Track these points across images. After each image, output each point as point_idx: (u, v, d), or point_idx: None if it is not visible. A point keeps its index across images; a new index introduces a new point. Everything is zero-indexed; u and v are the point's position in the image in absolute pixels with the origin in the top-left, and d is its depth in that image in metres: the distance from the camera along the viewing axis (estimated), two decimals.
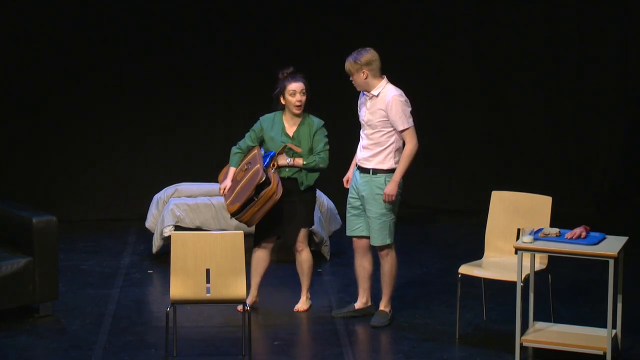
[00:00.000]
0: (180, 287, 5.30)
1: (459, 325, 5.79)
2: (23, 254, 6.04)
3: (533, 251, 5.40)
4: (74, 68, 8.26)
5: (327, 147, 5.98)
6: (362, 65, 5.80)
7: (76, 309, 6.26)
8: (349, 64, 5.83)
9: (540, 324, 5.60)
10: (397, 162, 5.83)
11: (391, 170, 5.83)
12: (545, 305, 5.80)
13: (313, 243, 7.25)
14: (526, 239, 5.37)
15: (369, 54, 5.83)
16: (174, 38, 8.36)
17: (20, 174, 8.19)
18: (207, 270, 5.28)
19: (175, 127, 8.45)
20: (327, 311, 6.25)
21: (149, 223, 7.34)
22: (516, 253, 5.37)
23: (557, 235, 5.42)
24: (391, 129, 5.83)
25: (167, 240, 7.11)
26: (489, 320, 6.02)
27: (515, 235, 5.76)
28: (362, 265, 6.03)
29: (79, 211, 8.21)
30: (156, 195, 7.41)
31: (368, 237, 5.96)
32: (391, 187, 5.78)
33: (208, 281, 5.31)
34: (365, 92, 5.92)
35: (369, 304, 6.09)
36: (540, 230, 5.49)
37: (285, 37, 8.42)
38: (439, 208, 8.60)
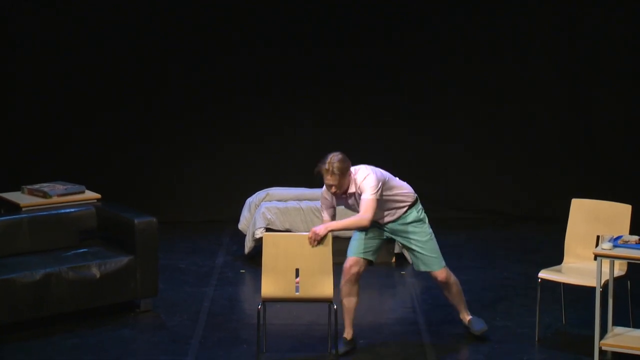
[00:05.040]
0: (271, 285, 5.45)
1: (539, 329, 5.87)
2: (126, 252, 6.23)
3: (612, 257, 5.46)
4: (173, 71, 8.45)
5: None
6: (349, 168, 5.56)
7: (174, 305, 6.44)
8: (339, 173, 5.47)
9: (619, 329, 5.66)
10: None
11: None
12: (624, 311, 5.84)
13: (397, 246, 7.45)
14: (605, 245, 5.45)
15: (344, 156, 5.56)
16: (271, 44, 8.48)
17: (124, 179, 8.42)
18: (297, 270, 5.44)
19: (266, 134, 8.60)
20: (409, 312, 6.40)
21: (241, 225, 7.53)
22: (596, 259, 5.44)
23: (636, 243, 5.48)
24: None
25: (258, 242, 7.31)
26: (568, 324, 6.08)
27: (594, 242, 5.81)
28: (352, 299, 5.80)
29: (177, 213, 8.41)
30: (249, 199, 7.59)
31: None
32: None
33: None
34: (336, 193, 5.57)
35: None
36: (619, 237, 5.55)
37: (368, 49, 8.53)
38: (517, 215, 8.61)
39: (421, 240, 5.74)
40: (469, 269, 7.17)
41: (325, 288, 5.48)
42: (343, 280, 5.74)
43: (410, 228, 5.73)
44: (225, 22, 8.47)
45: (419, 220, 5.75)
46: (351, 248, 5.77)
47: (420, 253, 5.75)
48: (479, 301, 6.48)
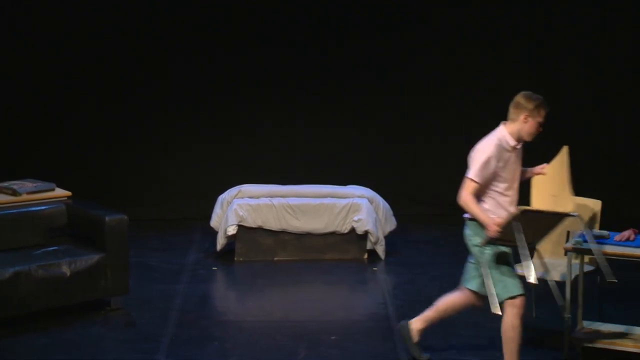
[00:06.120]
0: None
1: None
2: (96, 250, 6.21)
3: (582, 252, 5.50)
4: (145, 70, 8.45)
5: None
6: None
7: (145, 303, 6.44)
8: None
9: (589, 323, 5.70)
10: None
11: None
12: (594, 306, 5.88)
13: (369, 242, 7.50)
14: (576, 240, 5.50)
15: None
16: (243, 44, 8.49)
17: (95, 177, 8.43)
18: None
19: (238, 132, 8.61)
20: (381, 308, 6.42)
21: (213, 222, 7.54)
22: (566, 254, 5.47)
23: (606, 238, 5.55)
24: None
25: (230, 239, 7.37)
26: (538, 318, 6.10)
27: (565, 237, 5.86)
28: None
29: (148, 211, 8.41)
30: (220, 196, 7.60)
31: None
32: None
33: None
34: (515, 143, 5.37)
35: None
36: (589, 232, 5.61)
37: (368, 49, 8.54)
38: None
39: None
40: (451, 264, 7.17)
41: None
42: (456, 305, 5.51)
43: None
44: (226, 22, 8.46)
45: None
46: (474, 283, 5.46)
47: None
48: None
